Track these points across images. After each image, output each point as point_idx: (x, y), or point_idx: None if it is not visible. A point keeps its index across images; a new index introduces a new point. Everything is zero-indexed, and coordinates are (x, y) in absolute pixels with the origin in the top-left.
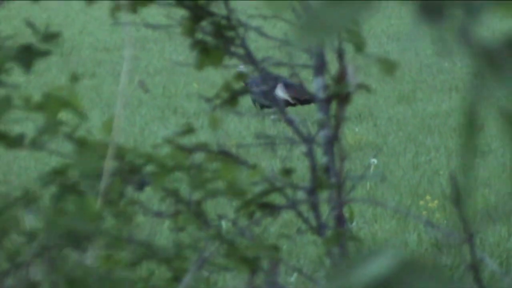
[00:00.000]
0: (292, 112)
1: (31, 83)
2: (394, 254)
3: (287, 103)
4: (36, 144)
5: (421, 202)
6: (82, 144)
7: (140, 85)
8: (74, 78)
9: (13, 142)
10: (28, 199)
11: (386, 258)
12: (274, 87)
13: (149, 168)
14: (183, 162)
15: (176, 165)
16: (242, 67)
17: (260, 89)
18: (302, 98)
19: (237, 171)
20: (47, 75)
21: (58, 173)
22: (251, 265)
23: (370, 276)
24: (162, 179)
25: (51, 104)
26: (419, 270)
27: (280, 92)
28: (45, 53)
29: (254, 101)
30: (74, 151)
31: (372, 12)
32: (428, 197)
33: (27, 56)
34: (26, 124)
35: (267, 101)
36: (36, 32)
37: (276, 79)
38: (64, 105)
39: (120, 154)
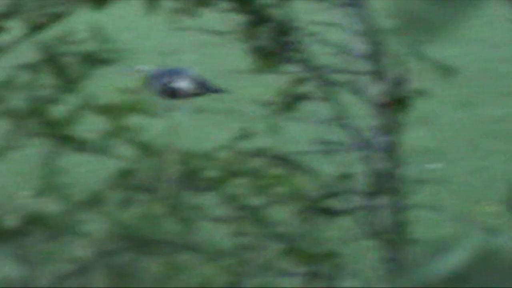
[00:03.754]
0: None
1: (90, 86)
2: (472, 245)
3: (193, 94)
4: (101, 149)
5: (481, 208)
6: (145, 149)
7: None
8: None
9: (80, 146)
10: (94, 201)
11: (465, 249)
12: (175, 80)
13: (209, 173)
14: (244, 167)
15: (237, 170)
16: (141, 67)
17: (161, 82)
18: (209, 90)
19: (299, 178)
20: (107, 78)
21: (124, 175)
22: (312, 263)
23: (449, 267)
24: (225, 183)
25: (119, 108)
26: (498, 261)
27: (184, 85)
28: (107, 61)
29: (156, 94)
30: (138, 155)
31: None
32: (487, 203)
33: (90, 63)
34: (84, 128)
35: (167, 94)
36: (100, 42)
37: (178, 73)
38: (134, 109)
39: (183, 158)
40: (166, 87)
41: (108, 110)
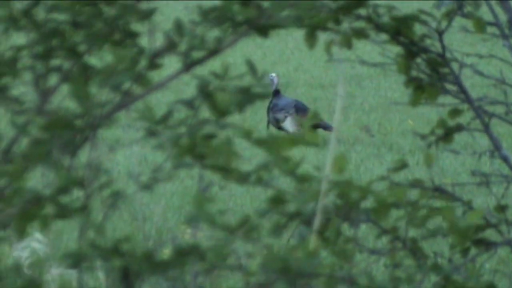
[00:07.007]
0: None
1: (246, 121)
2: None
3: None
4: (261, 181)
5: None
6: (302, 180)
7: (365, 130)
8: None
9: (242, 177)
10: (247, 230)
11: None
12: (281, 116)
13: (366, 204)
14: (400, 199)
15: (394, 202)
16: (273, 76)
17: (273, 116)
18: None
19: (456, 210)
20: (261, 113)
21: (275, 201)
22: None
23: None
24: (381, 215)
25: (279, 141)
26: None
27: (288, 125)
28: (262, 96)
29: (268, 123)
30: (295, 187)
31: None
32: None
33: (245, 98)
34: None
35: (276, 126)
36: (256, 76)
37: (288, 110)
38: (296, 142)
39: (340, 190)
40: (274, 120)
41: (267, 143)
